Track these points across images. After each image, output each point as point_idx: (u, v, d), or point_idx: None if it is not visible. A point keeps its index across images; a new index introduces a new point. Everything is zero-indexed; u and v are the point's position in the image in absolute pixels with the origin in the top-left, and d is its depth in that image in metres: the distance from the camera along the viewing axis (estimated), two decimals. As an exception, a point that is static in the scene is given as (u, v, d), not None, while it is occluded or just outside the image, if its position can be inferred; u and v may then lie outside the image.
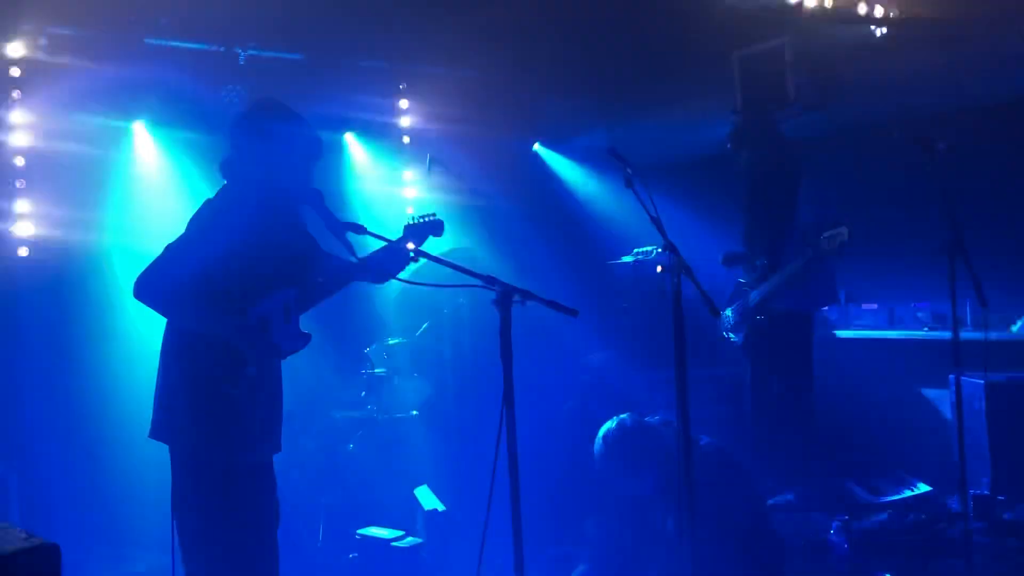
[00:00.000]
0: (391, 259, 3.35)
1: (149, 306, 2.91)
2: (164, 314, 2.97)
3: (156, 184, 5.81)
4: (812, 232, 5.01)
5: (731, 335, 5.42)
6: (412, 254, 3.30)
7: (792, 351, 5.13)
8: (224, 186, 3.12)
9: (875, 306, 5.97)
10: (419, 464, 5.21)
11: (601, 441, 3.93)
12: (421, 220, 3.53)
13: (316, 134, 3.16)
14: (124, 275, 5.37)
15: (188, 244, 2.95)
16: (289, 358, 3.21)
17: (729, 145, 5.32)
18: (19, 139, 5.26)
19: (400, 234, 3.48)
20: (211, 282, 2.93)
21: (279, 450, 3.23)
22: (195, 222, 3.01)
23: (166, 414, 3.01)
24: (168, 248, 2.95)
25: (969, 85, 5.22)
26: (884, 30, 5.31)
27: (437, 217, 3.54)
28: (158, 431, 3.04)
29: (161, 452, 3.11)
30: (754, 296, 5.19)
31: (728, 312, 5.41)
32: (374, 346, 5.59)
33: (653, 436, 3.87)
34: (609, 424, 3.95)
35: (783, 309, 5.09)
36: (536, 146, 7.65)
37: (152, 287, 2.89)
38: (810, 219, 5.09)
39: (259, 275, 3.03)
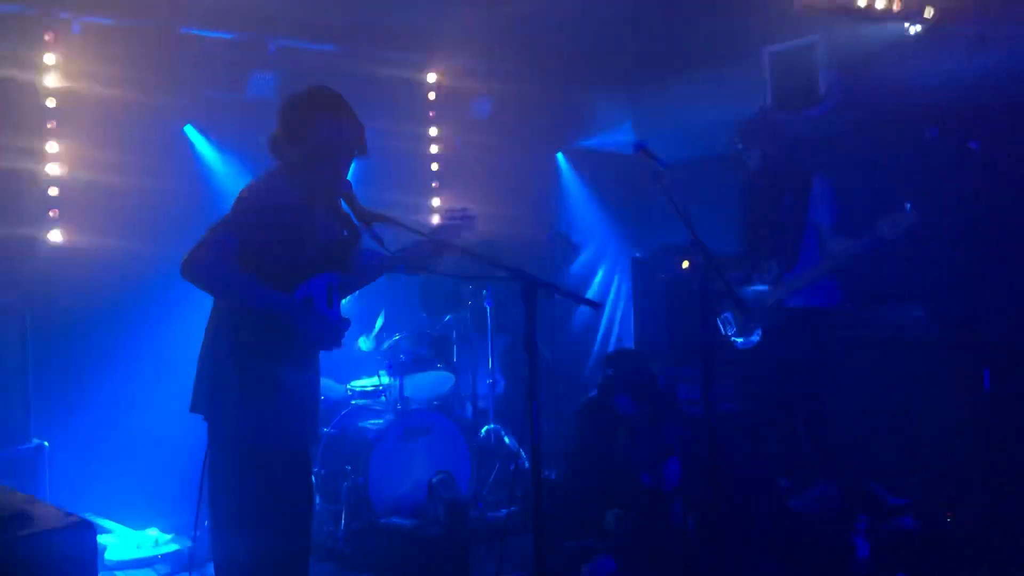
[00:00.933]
0: (424, 252, 3.37)
1: (195, 285, 2.94)
2: (211, 292, 2.99)
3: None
4: (831, 232, 4.95)
5: (737, 339, 5.35)
6: (436, 242, 3.30)
7: (810, 347, 5.08)
8: (268, 167, 3.15)
9: (901, 305, 5.90)
10: (440, 454, 5.23)
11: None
12: (454, 215, 3.53)
13: (362, 127, 3.19)
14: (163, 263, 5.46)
15: (233, 222, 2.97)
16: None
17: (740, 145, 5.26)
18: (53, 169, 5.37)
19: (433, 228, 3.50)
20: (256, 261, 2.96)
21: (317, 440, 3.25)
22: (240, 201, 3.02)
23: (209, 388, 3.03)
24: (213, 227, 2.98)
25: (1001, 84, 5.15)
26: (917, 28, 5.26)
27: (470, 212, 3.54)
28: (199, 405, 3.07)
29: (190, 430, 3.14)
30: (770, 298, 5.12)
31: (728, 315, 5.35)
32: (398, 336, 5.61)
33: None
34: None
35: (800, 306, 5.04)
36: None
37: (198, 265, 2.90)
38: (826, 220, 5.00)
39: (303, 257, 3.06)
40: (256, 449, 2.99)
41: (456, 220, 3.49)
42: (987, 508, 4.58)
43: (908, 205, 4.44)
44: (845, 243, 4.82)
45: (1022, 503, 4.60)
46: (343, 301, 3.38)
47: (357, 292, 3.77)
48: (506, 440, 6.11)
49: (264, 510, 3.00)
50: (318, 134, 3.08)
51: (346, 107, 3.16)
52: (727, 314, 5.32)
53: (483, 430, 5.93)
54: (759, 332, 5.20)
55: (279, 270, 3.00)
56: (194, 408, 3.09)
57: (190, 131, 5.97)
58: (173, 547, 4.90)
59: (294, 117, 3.11)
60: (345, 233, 3.23)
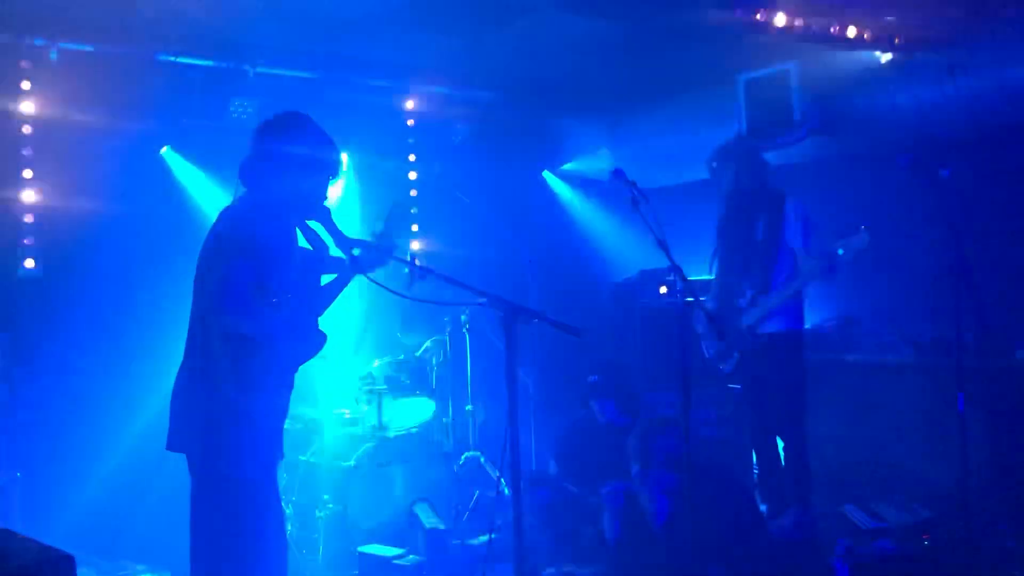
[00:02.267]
0: (374, 252, 3.35)
1: (247, 338, 2.96)
2: (260, 337, 3.01)
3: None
4: (804, 254, 5.00)
5: (719, 364, 5.38)
6: (419, 271, 3.31)
7: (787, 371, 5.10)
8: (243, 194, 3.15)
9: (876, 330, 5.97)
10: (420, 482, 5.20)
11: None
12: (397, 209, 3.52)
13: (338, 152, 3.21)
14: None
15: (241, 261, 2.98)
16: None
17: (714, 164, 5.30)
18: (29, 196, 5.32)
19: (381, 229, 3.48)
20: (266, 285, 3.01)
21: (283, 457, 3.30)
22: (232, 242, 3.02)
23: (201, 424, 3.03)
24: (225, 281, 2.97)
25: (972, 112, 5.25)
26: (889, 56, 5.36)
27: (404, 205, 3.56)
28: (180, 442, 3.05)
29: (165, 464, 3.13)
30: (746, 320, 5.15)
31: (708, 341, 5.38)
32: (376, 363, 5.59)
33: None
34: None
35: (775, 330, 5.06)
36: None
37: (242, 324, 2.96)
38: (799, 243, 5.05)
39: (287, 281, 3.08)
40: (245, 480, 2.99)
41: (401, 209, 3.51)
42: (963, 530, 4.61)
43: (863, 227, 4.59)
44: (809, 264, 4.89)
45: (998, 524, 4.64)
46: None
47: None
48: (486, 467, 6.10)
49: (254, 540, 3.00)
50: (297, 160, 3.10)
51: (322, 131, 3.18)
52: (706, 341, 5.35)
53: (463, 457, 5.91)
54: (737, 356, 5.23)
55: (272, 296, 3.01)
56: (172, 446, 3.07)
57: (168, 155, 5.95)
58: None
59: (269, 141, 3.13)
60: (314, 252, 3.25)
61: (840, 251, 4.67)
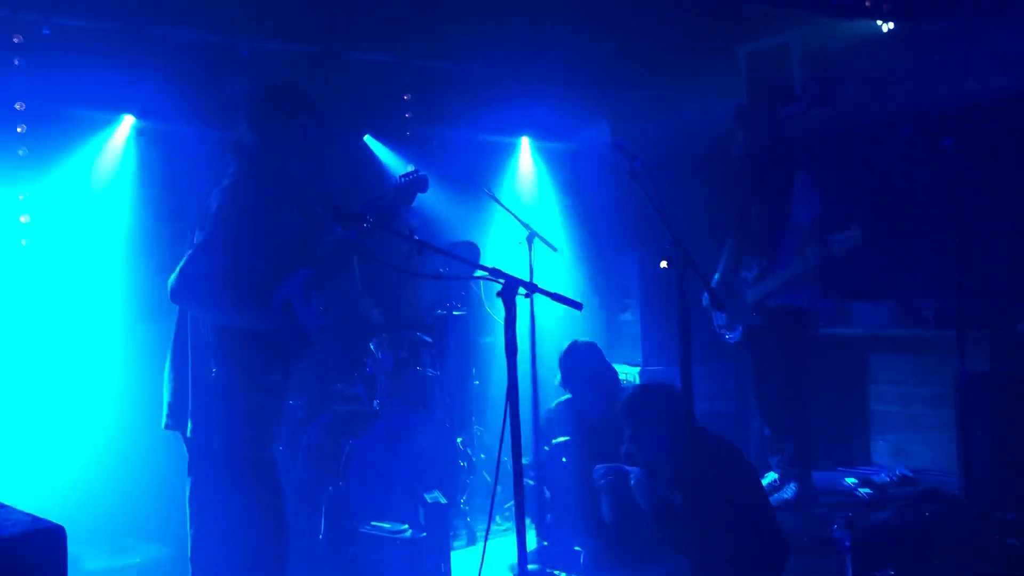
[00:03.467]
0: (382, 210, 3.34)
1: (189, 308, 2.92)
2: (205, 313, 2.97)
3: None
4: (813, 232, 4.95)
5: (726, 334, 5.37)
6: (418, 245, 3.28)
7: (789, 347, 5.10)
8: (234, 171, 3.11)
9: (881, 302, 5.95)
10: (422, 458, 5.19)
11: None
12: (405, 178, 3.48)
13: (329, 126, 3.17)
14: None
15: (217, 240, 2.95)
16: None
17: (732, 126, 5.25)
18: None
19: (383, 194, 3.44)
20: (240, 272, 2.95)
21: (283, 436, 3.31)
22: (218, 215, 2.99)
23: (195, 404, 3.02)
24: (198, 247, 2.94)
25: (975, 81, 5.20)
26: (891, 25, 5.30)
27: (421, 172, 3.48)
28: (178, 422, 3.04)
29: (164, 443, 3.12)
30: (751, 295, 5.14)
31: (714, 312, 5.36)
32: (376, 339, 5.57)
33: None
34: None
35: (779, 305, 5.05)
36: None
37: (190, 288, 2.91)
38: (807, 219, 5.00)
39: (278, 258, 3.04)
40: (244, 460, 2.98)
41: (409, 179, 3.47)
42: (964, 501, 4.62)
43: (856, 224, 4.55)
44: (807, 253, 4.84)
45: (1000, 494, 4.65)
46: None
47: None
48: (487, 441, 6.10)
49: (249, 517, 2.99)
50: (294, 130, 3.05)
51: (315, 105, 3.14)
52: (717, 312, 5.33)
53: (465, 433, 5.91)
54: (740, 329, 5.23)
55: (260, 275, 2.98)
56: (171, 425, 3.06)
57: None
58: (151, 555, 4.84)
59: (269, 112, 3.08)
60: (309, 226, 3.21)
61: (833, 248, 4.63)
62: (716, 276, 5.32)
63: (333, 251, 3.34)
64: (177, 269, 2.91)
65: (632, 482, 4.12)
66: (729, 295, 5.23)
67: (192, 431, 3.03)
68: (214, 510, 3.03)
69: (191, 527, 3.10)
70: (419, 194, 3.49)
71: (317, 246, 3.30)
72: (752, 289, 5.10)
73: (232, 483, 3.01)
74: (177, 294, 2.88)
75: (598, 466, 4.49)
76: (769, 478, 5.17)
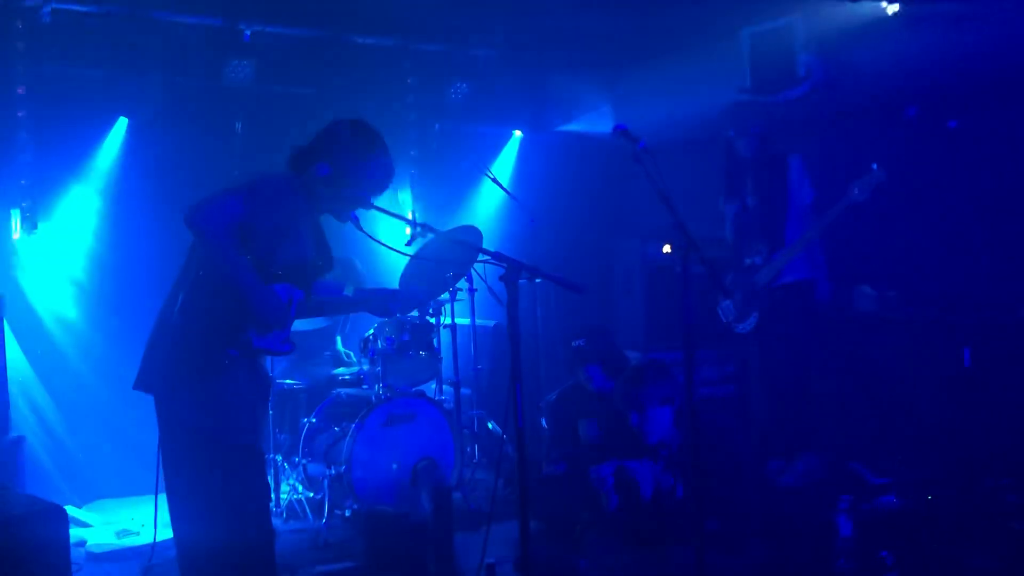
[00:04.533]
0: (394, 299, 3.47)
1: (193, 233, 2.93)
2: (204, 245, 2.97)
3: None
4: (814, 210, 5.04)
5: (736, 325, 5.38)
6: (420, 228, 3.31)
7: (798, 321, 5.14)
8: (283, 171, 3.18)
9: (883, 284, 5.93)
10: (424, 441, 5.20)
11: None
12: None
13: (392, 173, 3.23)
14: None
15: (246, 194, 2.98)
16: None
17: (731, 132, 5.32)
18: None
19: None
20: (246, 240, 2.96)
21: (262, 444, 3.30)
22: (257, 180, 3.05)
23: (164, 367, 3.00)
24: (226, 190, 2.98)
25: (979, 63, 5.16)
26: (895, 7, 5.26)
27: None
28: (148, 382, 3.04)
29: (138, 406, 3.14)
30: (762, 277, 5.17)
31: (728, 303, 5.38)
32: (377, 323, 5.57)
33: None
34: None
35: (789, 281, 5.13)
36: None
37: (202, 218, 2.90)
38: (807, 199, 5.10)
39: (282, 260, 3.07)
40: (210, 438, 2.97)
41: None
42: (967, 486, 4.62)
43: (875, 165, 4.59)
44: (825, 213, 4.91)
45: (1000, 479, 4.65)
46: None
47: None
48: (490, 425, 6.10)
49: (213, 498, 2.98)
50: (364, 172, 3.13)
51: (387, 152, 3.21)
52: (725, 303, 5.36)
53: (467, 416, 5.92)
54: (756, 316, 5.24)
55: (259, 261, 2.98)
56: (140, 385, 3.05)
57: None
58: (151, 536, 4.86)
59: (349, 146, 3.13)
60: (319, 259, 3.25)
61: (856, 191, 4.70)
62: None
63: (325, 299, 3.42)
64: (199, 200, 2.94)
65: (635, 475, 4.11)
66: (736, 287, 5.27)
67: (160, 396, 3.04)
68: (183, 487, 3.03)
69: (165, 492, 3.11)
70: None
71: (315, 283, 3.32)
72: (762, 272, 5.15)
73: (201, 461, 2.98)
74: (189, 217, 2.89)
75: (593, 468, 4.41)
76: (772, 462, 5.18)
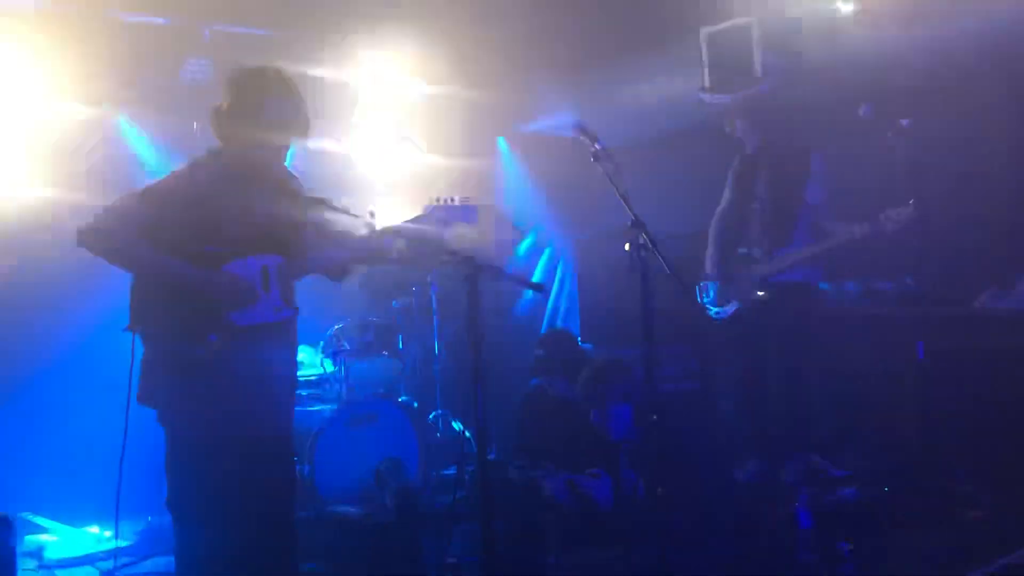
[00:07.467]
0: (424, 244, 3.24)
1: (91, 252, 2.87)
2: (108, 258, 2.91)
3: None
4: (826, 210, 5.05)
5: (714, 309, 5.36)
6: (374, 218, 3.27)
7: (796, 321, 5.12)
8: (196, 155, 3.11)
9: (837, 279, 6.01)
10: (388, 442, 5.18)
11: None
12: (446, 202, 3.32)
13: (307, 112, 3.15)
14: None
15: (141, 195, 2.94)
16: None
17: (737, 125, 5.30)
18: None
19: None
20: (171, 239, 2.90)
21: (276, 432, 3.21)
22: (156, 181, 3.02)
23: (146, 380, 2.98)
24: (120, 197, 2.95)
25: (932, 62, 5.26)
26: (851, 7, 5.34)
27: (471, 203, 3.32)
28: (143, 397, 3.02)
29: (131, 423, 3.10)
30: (760, 270, 5.13)
31: (710, 284, 5.37)
32: (340, 324, 5.54)
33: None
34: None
35: (788, 281, 5.09)
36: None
37: (95, 232, 2.85)
38: (822, 198, 5.06)
39: (220, 239, 2.99)
40: (194, 437, 2.94)
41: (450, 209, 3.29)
42: (923, 476, 4.70)
43: (912, 201, 4.57)
44: (844, 228, 4.89)
45: (956, 470, 4.73)
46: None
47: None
48: (454, 425, 6.10)
49: (211, 503, 2.95)
50: (271, 114, 3.03)
51: (299, 92, 3.12)
52: (709, 284, 5.35)
53: (430, 416, 5.91)
54: (736, 305, 5.23)
55: (202, 248, 2.93)
56: (140, 400, 3.03)
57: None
58: (114, 543, 4.79)
59: (248, 93, 3.05)
60: (287, 215, 3.17)
61: (889, 225, 4.67)
62: (711, 251, 5.37)
63: (342, 254, 3.31)
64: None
65: (589, 492, 4.11)
66: (726, 273, 5.27)
67: (153, 406, 3.01)
68: (180, 492, 3.00)
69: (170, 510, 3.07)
70: None
71: (299, 239, 3.22)
72: (763, 266, 5.12)
73: (190, 465, 2.97)
74: (80, 237, 2.83)
75: (549, 482, 4.36)
76: (737, 458, 5.21)
